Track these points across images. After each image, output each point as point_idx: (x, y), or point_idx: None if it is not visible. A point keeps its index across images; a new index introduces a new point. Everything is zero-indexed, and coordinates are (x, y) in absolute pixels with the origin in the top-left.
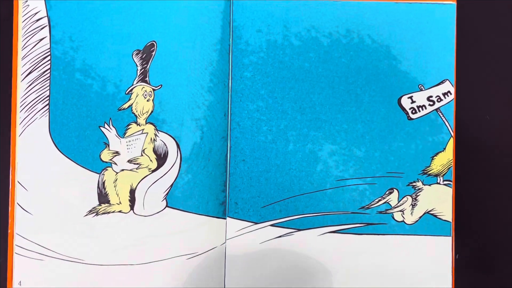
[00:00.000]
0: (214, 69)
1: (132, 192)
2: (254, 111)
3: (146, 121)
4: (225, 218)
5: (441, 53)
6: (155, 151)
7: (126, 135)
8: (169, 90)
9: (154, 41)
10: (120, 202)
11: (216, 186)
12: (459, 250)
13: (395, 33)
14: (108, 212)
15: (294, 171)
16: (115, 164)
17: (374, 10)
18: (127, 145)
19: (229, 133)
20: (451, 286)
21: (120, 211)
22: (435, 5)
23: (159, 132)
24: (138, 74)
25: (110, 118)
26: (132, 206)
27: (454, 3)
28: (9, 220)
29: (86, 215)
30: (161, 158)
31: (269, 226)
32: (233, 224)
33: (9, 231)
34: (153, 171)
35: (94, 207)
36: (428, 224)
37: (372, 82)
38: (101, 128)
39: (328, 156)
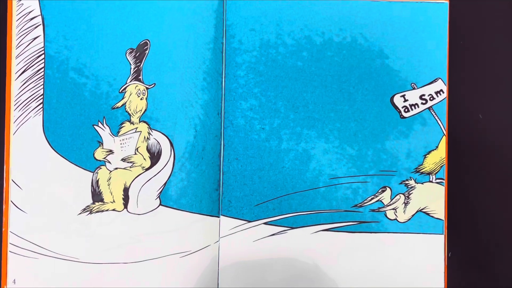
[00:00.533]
0: (207, 67)
1: (126, 190)
2: (247, 109)
3: (139, 120)
4: (218, 217)
5: (434, 52)
6: (148, 149)
7: (120, 133)
8: (162, 89)
9: (147, 39)
10: (114, 201)
11: (209, 185)
12: (452, 248)
13: (387, 32)
14: (102, 211)
15: (287, 170)
16: (109, 162)
17: (366, 9)
18: (121, 144)
19: (222, 131)
20: (443, 284)
21: (114, 210)
22: (427, 4)
23: (152, 130)
24: (132, 72)
25: (104, 117)
26: (125, 205)
27: (447, 2)
28: (3, 219)
29: (80, 213)
30: (155, 157)
31: (263, 224)
32: (226, 222)
33: (3, 229)
34: (147, 169)
35: (88, 206)
36: (420, 222)
37: (365, 80)
38: (95, 126)
39: (321, 154)
